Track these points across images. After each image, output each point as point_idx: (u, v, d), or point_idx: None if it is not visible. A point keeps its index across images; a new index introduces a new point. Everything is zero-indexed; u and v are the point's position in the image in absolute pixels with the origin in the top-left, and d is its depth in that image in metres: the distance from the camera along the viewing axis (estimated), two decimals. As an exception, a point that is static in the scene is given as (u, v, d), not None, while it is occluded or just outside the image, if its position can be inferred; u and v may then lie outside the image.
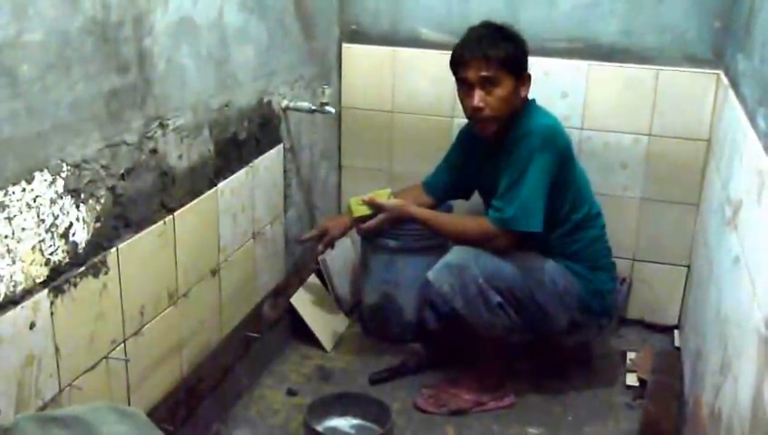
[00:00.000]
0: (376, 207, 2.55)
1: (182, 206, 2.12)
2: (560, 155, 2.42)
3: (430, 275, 2.46)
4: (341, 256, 3.17)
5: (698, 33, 2.81)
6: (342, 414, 2.48)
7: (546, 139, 2.40)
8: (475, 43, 2.43)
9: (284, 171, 2.75)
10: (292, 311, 2.88)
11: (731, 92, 2.49)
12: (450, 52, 2.50)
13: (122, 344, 1.93)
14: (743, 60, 2.35)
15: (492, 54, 2.39)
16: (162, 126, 1.98)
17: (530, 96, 2.52)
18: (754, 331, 1.62)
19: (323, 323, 2.97)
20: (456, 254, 2.47)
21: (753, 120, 2.04)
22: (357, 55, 3.16)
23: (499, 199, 2.43)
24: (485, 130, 2.49)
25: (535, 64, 2.56)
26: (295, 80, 2.76)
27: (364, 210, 2.57)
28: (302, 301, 2.91)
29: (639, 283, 3.12)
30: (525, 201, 2.38)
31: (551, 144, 2.40)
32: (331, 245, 2.74)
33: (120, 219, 1.86)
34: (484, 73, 2.40)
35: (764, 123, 1.86)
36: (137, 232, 1.93)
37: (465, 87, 2.46)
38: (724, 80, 2.69)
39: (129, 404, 1.97)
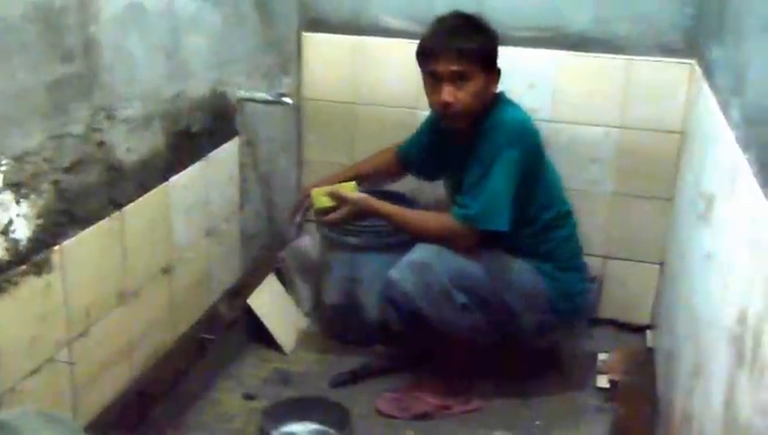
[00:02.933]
0: (339, 200, 2.56)
1: (131, 201, 2.12)
2: (528, 151, 2.44)
3: (393, 273, 2.46)
4: (301, 254, 3.18)
5: (671, 21, 2.83)
6: (301, 419, 2.48)
7: (514, 133, 2.42)
8: (446, 36, 2.43)
9: (241, 165, 2.75)
10: (249, 311, 2.87)
11: (704, 82, 2.50)
12: (415, 40, 2.50)
13: (67, 346, 1.92)
14: (716, 49, 2.37)
15: (464, 48, 2.40)
16: (110, 117, 1.98)
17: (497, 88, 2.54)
18: (725, 329, 1.63)
19: (282, 324, 2.98)
20: (419, 252, 2.48)
21: (726, 110, 2.05)
22: (318, 44, 3.16)
23: (464, 196, 2.45)
24: (453, 127, 2.51)
25: (502, 54, 2.56)
26: (252, 70, 2.76)
27: (327, 201, 2.58)
28: (259, 301, 2.91)
29: (611, 281, 3.13)
30: (491, 198, 2.39)
31: (519, 139, 2.42)
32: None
33: (65, 215, 1.86)
34: (455, 68, 2.40)
35: (738, 114, 1.88)
36: (83, 228, 1.92)
37: (433, 81, 2.45)
38: (698, 69, 2.71)
39: (75, 409, 1.97)
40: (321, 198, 2.59)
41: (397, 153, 2.87)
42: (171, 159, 2.30)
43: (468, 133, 2.49)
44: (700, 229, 2.19)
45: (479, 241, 2.47)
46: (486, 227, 2.43)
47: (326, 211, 2.59)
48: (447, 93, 2.42)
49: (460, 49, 2.40)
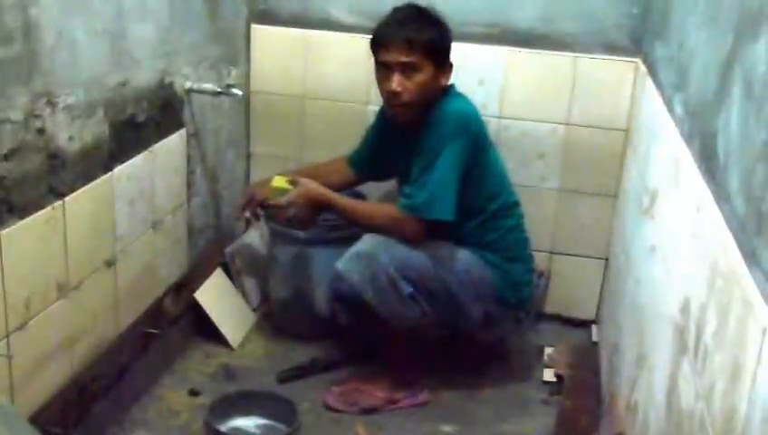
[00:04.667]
0: (295, 185, 2.56)
1: (73, 190, 2.07)
2: (473, 141, 2.45)
3: (339, 264, 2.45)
4: (249, 248, 3.15)
5: (617, 19, 2.87)
6: (247, 414, 2.46)
7: (459, 124, 2.43)
8: (398, 26, 2.44)
9: (187, 158, 2.72)
10: (195, 306, 2.84)
11: (649, 80, 2.55)
12: (364, 35, 2.51)
13: (5, 339, 1.87)
14: (660, 46, 2.42)
15: (415, 39, 2.41)
16: (51, 104, 1.93)
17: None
18: (669, 320, 1.67)
19: (229, 319, 2.95)
20: (365, 242, 2.47)
21: (669, 106, 2.10)
22: (266, 37, 3.14)
23: (410, 186, 2.45)
24: (401, 117, 2.52)
25: (452, 50, 2.58)
26: (200, 60, 2.72)
27: (283, 183, 2.57)
28: (206, 295, 2.87)
29: (557, 277, 3.17)
30: (436, 188, 2.40)
31: (464, 130, 2.43)
32: (259, 207, 2.74)
33: (4, 204, 1.81)
34: (404, 59, 2.41)
35: (681, 109, 1.92)
36: (22, 218, 1.87)
37: (384, 70, 2.47)
38: (643, 67, 2.76)
39: (13, 404, 1.92)
40: (279, 180, 2.58)
41: (348, 162, 2.86)
42: (115, 148, 2.25)
43: (416, 126, 2.49)
44: (645, 223, 2.23)
45: (425, 231, 2.47)
46: (431, 217, 2.43)
47: (279, 195, 2.57)
48: (396, 83, 2.43)
49: (410, 40, 2.41)
